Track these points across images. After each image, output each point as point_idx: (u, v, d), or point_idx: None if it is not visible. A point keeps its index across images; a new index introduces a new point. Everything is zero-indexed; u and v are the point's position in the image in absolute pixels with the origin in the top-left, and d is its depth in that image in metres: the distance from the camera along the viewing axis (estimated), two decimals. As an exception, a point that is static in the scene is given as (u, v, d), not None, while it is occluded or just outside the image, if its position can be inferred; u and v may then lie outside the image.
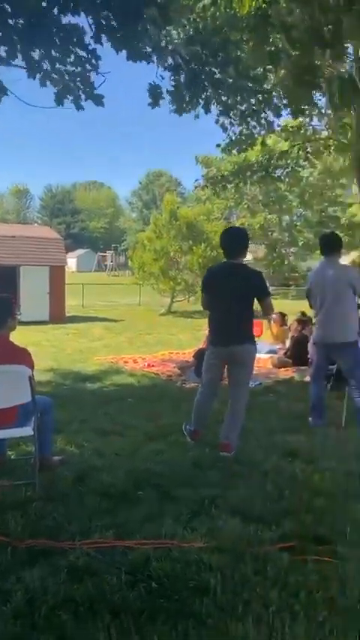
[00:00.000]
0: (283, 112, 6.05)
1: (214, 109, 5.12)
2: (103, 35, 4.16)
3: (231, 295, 4.00)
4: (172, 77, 4.76)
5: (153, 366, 8.25)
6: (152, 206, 63.47)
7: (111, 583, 2.17)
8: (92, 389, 6.57)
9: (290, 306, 15.73)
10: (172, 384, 7.06)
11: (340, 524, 2.76)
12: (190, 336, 12.20)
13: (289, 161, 9.09)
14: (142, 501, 3.04)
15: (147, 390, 6.61)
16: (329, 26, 2.70)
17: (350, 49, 3.82)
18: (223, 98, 5.05)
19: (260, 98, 5.08)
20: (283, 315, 10.20)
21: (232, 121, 5.39)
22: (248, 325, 4.10)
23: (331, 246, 5.01)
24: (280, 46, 3.36)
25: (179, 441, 4.20)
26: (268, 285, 4.42)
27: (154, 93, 4.42)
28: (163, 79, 4.87)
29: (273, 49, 3.75)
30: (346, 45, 3.34)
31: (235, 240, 4.19)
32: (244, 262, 4.21)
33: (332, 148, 8.53)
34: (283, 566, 2.35)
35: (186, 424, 4.33)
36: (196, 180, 10.22)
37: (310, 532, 2.65)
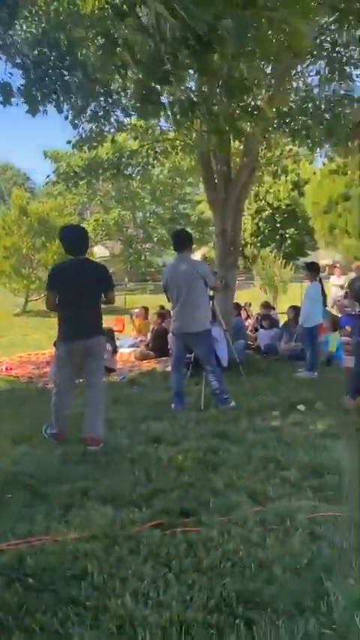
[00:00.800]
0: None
1: (65, 107, 5.11)
2: None
3: (80, 290, 4.05)
4: (22, 76, 4.65)
5: (12, 369, 7.94)
6: (-1, 201, 59.89)
7: (-15, 588, 2.13)
8: None
9: (149, 300, 16.17)
10: (34, 385, 6.89)
11: (203, 496, 3.03)
12: (45, 336, 11.88)
13: (139, 160, 9.29)
14: (12, 503, 2.99)
15: (6, 394, 6.36)
16: (168, 56, 2.89)
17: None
18: (73, 97, 5.07)
19: (110, 100, 5.20)
20: (146, 309, 10.57)
21: (82, 119, 5.42)
22: (97, 318, 4.19)
23: (182, 242, 5.34)
24: (126, 60, 3.45)
25: (44, 441, 4.16)
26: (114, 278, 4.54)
27: (5, 91, 4.28)
28: (12, 75, 4.74)
29: (120, 63, 3.84)
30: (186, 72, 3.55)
31: (78, 236, 4.25)
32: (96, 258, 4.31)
33: (179, 148, 8.92)
34: (154, 542, 2.51)
35: (46, 427, 4.28)
36: (47, 176, 9.94)
37: (177, 507, 2.87)
